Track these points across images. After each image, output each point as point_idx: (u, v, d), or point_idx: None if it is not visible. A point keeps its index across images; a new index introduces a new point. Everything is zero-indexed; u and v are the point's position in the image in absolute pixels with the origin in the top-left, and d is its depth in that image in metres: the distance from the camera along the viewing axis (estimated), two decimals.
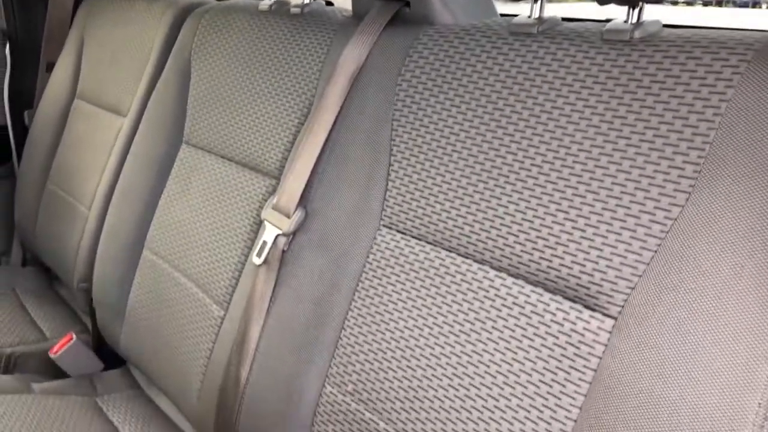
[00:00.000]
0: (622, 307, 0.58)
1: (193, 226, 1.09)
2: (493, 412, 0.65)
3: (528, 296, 0.66)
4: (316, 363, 0.82)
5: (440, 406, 0.70)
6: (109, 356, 1.33)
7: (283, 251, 0.89)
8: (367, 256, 0.81)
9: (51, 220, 1.56)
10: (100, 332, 1.31)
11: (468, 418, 0.67)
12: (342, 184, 0.86)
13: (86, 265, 1.36)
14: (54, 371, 1.27)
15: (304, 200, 0.89)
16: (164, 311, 1.11)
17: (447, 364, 0.70)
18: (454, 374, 0.69)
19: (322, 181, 0.88)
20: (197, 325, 1.03)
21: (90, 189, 1.40)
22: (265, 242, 0.90)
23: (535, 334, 0.64)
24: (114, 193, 1.30)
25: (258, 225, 0.97)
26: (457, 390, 0.69)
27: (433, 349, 0.72)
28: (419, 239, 0.77)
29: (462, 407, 0.68)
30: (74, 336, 1.29)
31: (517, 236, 0.67)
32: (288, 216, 0.88)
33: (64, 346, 1.27)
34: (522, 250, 0.67)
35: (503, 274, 0.68)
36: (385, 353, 0.76)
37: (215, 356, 0.97)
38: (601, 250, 0.61)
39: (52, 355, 1.26)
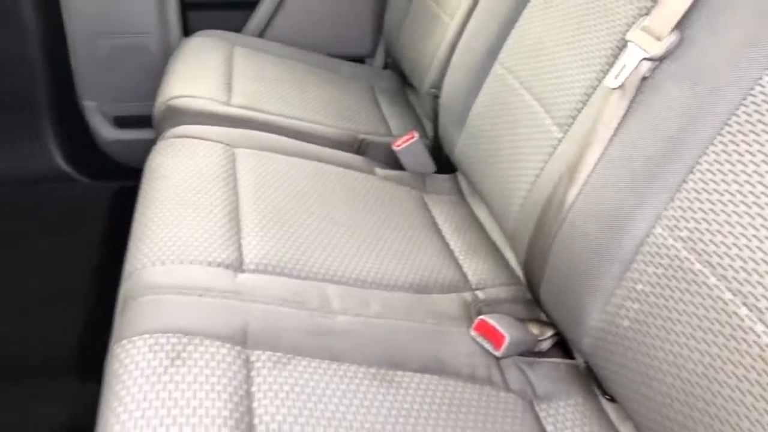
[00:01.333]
0: None
1: (549, 44, 1.05)
2: None
3: None
4: (651, 201, 0.76)
5: None
6: (442, 163, 1.42)
7: (644, 78, 0.81)
8: (745, 98, 0.70)
9: (414, 28, 1.64)
10: (439, 138, 1.39)
11: None
12: (734, 9, 0.73)
13: (438, 73, 1.42)
14: (393, 163, 1.40)
15: (681, 24, 0.78)
16: (503, 126, 1.11)
17: None
18: None
19: (709, 3, 0.76)
20: (532, 144, 1.02)
21: None
22: (625, 65, 0.83)
23: None
24: (477, 4, 1.31)
25: (620, 49, 0.89)
26: None
27: None
28: None
29: None
30: (416, 135, 1.39)
31: None
32: (659, 39, 0.79)
33: (407, 142, 1.37)
34: None
35: None
36: (737, 206, 0.67)
37: (544, 176, 0.96)
38: None
39: (395, 148, 1.38)
